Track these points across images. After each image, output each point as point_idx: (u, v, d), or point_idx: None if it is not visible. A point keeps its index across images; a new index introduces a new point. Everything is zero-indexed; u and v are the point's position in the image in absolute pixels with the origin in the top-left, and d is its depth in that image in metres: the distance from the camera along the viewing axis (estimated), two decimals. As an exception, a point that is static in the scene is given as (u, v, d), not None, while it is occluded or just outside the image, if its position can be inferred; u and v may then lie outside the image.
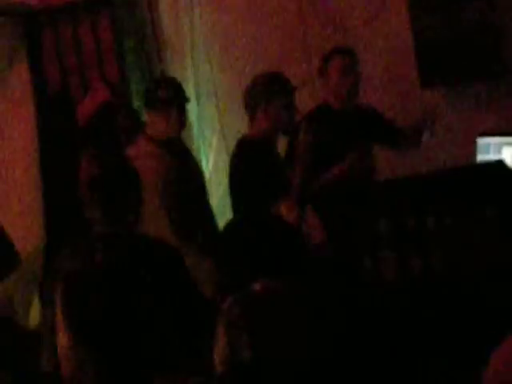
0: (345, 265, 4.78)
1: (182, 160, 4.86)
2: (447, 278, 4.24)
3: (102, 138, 5.13)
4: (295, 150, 4.90)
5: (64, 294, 3.45)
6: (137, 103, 6.12)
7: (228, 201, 4.93)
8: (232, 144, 5.34)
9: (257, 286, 2.44)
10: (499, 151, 5.17)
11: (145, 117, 4.87)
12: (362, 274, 4.52)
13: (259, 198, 4.57)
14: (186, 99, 4.86)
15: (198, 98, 6.28)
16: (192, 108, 6.14)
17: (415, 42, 5.53)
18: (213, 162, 6.35)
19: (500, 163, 4.71)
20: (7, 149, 5.86)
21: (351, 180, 4.94)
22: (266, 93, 4.68)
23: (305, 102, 5.29)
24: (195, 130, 6.26)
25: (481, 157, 5.24)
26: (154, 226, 4.40)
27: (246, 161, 4.74)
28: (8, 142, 6.02)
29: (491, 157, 5.18)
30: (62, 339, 3.22)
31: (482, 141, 5.30)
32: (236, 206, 4.80)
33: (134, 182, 3.66)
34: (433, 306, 4.17)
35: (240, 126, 5.02)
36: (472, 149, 5.28)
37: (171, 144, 4.73)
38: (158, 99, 4.74)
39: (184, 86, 5.78)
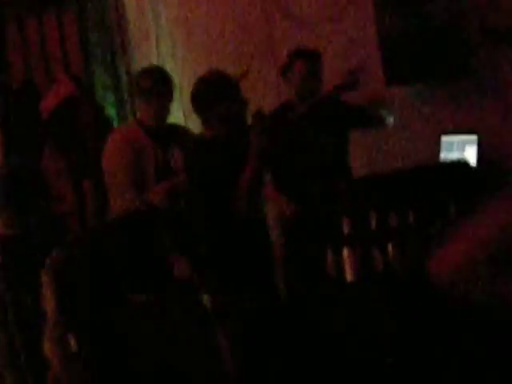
0: (309, 260, 4.86)
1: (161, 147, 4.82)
2: (407, 276, 4.26)
3: (65, 131, 5.09)
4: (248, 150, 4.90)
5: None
6: (101, 96, 6.31)
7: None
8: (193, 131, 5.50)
9: None
10: (462, 149, 5.27)
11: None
12: (325, 270, 4.50)
13: (212, 196, 4.62)
14: (166, 88, 4.84)
15: None
16: None
17: (380, 39, 5.54)
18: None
19: (463, 162, 4.81)
20: None
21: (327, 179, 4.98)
22: (209, 98, 4.63)
23: (268, 96, 5.41)
24: None
25: (444, 154, 5.35)
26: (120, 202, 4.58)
27: (197, 162, 4.71)
28: None
29: (454, 154, 5.29)
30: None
31: (446, 139, 5.41)
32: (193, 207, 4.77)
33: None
34: (392, 303, 4.17)
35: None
36: (436, 146, 5.38)
37: (156, 130, 4.73)
38: (139, 88, 4.77)
39: None
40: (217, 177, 4.61)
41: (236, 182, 4.66)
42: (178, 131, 5.11)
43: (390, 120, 5.24)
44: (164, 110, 4.83)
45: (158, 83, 4.77)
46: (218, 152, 4.67)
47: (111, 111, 6.47)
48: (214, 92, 4.62)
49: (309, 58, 5.09)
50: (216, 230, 4.77)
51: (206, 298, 4.85)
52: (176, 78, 5.95)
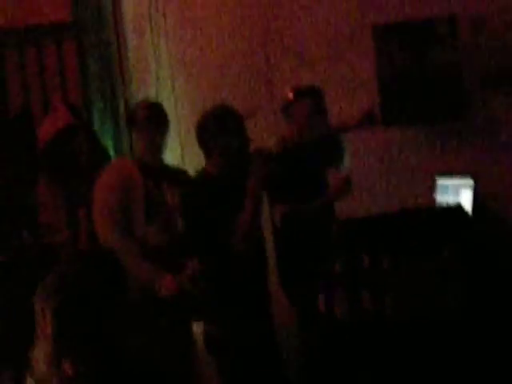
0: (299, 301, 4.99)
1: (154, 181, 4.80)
2: (398, 320, 4.24)
3: (61, 160, 5.04)
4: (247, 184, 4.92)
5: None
6: (99, 126, 6.25)
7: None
8: (191, 170, 5.39)
9: None
10: (457, 193, 5.22)
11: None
12: (316, 311, 4.53)
13: (209, 234, 4.61)
14: (160, 122, 4.84)
15: None
16: None
17: (379, 81, 5.57)
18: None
19: (458, 207, 4.83)
20: None
21: (314, 220, 4.97)
22: (215, 132, 4.65)
23: (264, 131, 5.42)
24: None
25: (439, 197, 5.31)
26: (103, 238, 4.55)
27: (198, 198, 4.72)
28: None
29: (449, 198, 5.23)
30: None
31: (441, 182, 5.36)
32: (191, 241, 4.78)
33: None
34: (382, 346, 4.20)
35: (199, 153, 4.90)
36: (431, 189, 5.32)
37: (148, 165, 4.73)
38: (134, 122, 4.78)
39: None
40: (215, 214, 4.59)
41: (234, 218, 4.65)
42: (174, 169, 5.12)
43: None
44: (157, 144, 4.80)
45: (151, 117, 4.77)
46: (218, 189, 4.68)
47: (108, 142, 6.41)
48: (218, 124, 4.66)
49: (312, 95, 5.10)
50: (213, 263, 4.69)
51: (195, 326, 5.00)
52: (174, 112, 6.04)
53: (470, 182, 5.16)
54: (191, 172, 5.33)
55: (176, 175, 4.95)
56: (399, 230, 4.49)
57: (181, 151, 6.09)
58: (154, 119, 4.74)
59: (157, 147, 4.76)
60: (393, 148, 5.72)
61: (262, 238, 5.00)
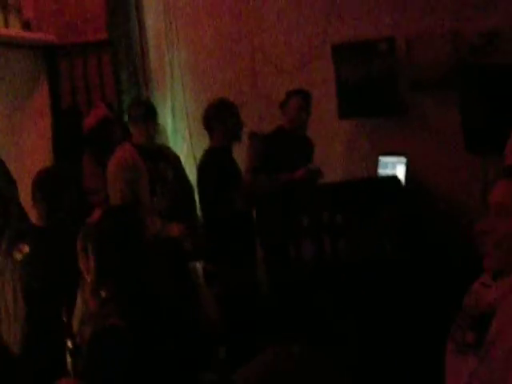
0: (276, 249, 5.07)
1: (153, 162, 4.85)
2: (349, 259, 4.65)
3: (101, 143, 5.24)
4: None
5: None
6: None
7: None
8: (196, 150, 5.68)
9: None
10: (394, 168, 5.60)
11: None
12: (288, 256, 4.85)
13: (219, 191, 4.76)
14: (151, 116, 4.91)
15: (173, 117, 6.56)
16: (168, 124, 6.50)
17: (336, 83, 5.87)
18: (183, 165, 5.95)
19: (394, 177, 5.25)
20: (27, 159, 5.82)
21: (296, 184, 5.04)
22: (218, 117, 4.90)
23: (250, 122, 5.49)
24: (171, 140, 6.47)
25: (381, 171, 5.68)
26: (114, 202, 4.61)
27: (211, 164, 4.88)
28: (27, 152, 6.01)
29: (389, 171, 5.59)
30: None
31: (382, 160, 5.70)
32: (201, 198, 4.97)
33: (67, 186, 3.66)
34: (338, 279, 4.58)
35: (203, 138, 5.24)
36: (375, 165, 5.71)
37: (147, 149, 4.76)
38: (132, 117, 4.87)
39: (164, 107, 6.28)
40: (223, 176, 4.78)
41: (235, 183, 4.85)
42: (165, 150, 5.25)
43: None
44: (152, 132, 4.88)
45: (146, 112, 4.88)
46: (223, 158, 4.90)
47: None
48: (219, 111, 4.92)
49: (303, 94, 5.27)
50: (217, 216, 4.86)
51: (198, 264, 5.12)
52: (184, 107, 6.46)
53: (403, 159, 5.47)
54: (199, 152, 5.41)
55: (167, 154, 5.10)
56: (351, 193, 4.80)
57: (189, 137, 6.35)
58: (148, 113, 4.88)
59: (151, 134, 4.87)
60: (348, 135, 6.00)
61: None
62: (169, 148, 5.46)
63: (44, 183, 3.62)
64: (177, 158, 5.24)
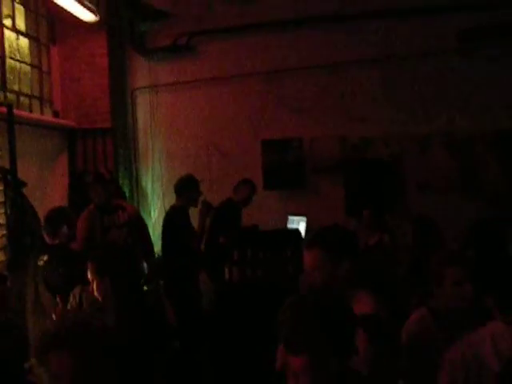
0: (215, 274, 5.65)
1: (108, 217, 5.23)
2: (264, 282, 5.34)
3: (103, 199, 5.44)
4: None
5: None
6: (122, 183, 7.01)
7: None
8: (167, 206, 6.35)
9: None
10: (298, 224, 6.57)
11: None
12: (223, 278, 5.49)
13: (175, 235, 5.47)
14: (105, 183, 5.24)
15: (152, 182, 7.32)
16: (149, 187, 7.30)
17: (262, 167, 6.92)
18: (157, 214, 7.27)
19: (296, 230, 6.09)
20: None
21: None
22: (184, 187, 5.59)
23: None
24: (149, 198, 7.30)
25: (289, 225, 6.65)
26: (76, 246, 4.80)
27: (172, 217, 5.57)
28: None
29: (294, 226, 6.52)
30: None
31: (290, 218, 6.75)
32: (163, 242, 5.69)
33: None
34: (257, 296, 5.13)
35: (172, 198, 5.88)
36: (285, 221, 6.73)
37: (101, 208, 5.22)
38: (86, 182, 5.39)
39: (146, 175, 7.31)
40: (183, 227, 5.42)
41: (188, 231, 5.44)
42: (123, 205, 5.57)
43: None
44: (105, 195, 5.22)
45: (99, 180, 5.31)
46: (181, 214, 5.56)
47: (126, 190, 7.13)
48: (189, 182, 5.55)
49: (251, 184, 6.05)
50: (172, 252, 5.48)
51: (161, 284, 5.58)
52: (160, 176, 7.28)
53: (304, 218, 6.53)
54: (167, 205, 5.96)
55: (118, 209, 5.40)
56: (269, 238, 5.68)
57: (163, 197, 7.19)
58: (102, 181, 5.36)
59: (106, 197, 5.26)
60: (269, 200, 6.99)
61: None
62: (127, 203, 5.89)
63: (48, 218, 4.34)
64: (137, 211, 5.84)
